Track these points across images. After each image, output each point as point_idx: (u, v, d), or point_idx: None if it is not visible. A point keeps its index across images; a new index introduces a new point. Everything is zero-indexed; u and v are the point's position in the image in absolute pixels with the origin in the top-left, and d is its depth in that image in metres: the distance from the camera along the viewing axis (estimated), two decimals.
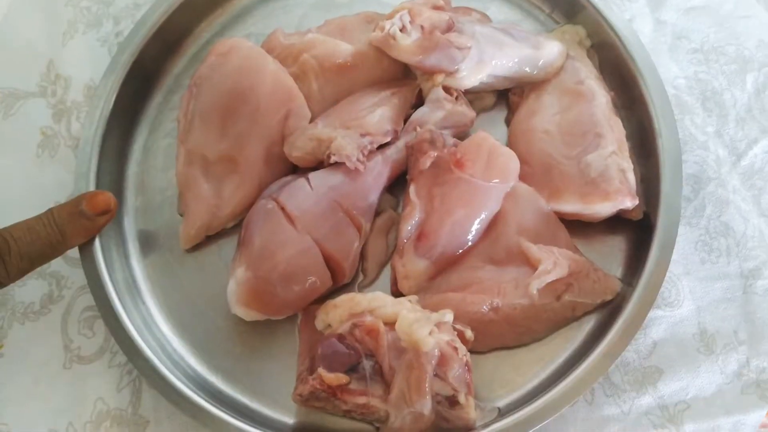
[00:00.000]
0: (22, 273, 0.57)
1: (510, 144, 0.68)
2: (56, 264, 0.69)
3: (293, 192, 0.63)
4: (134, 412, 0.64)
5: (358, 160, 0.62)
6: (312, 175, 0.64)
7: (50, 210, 0.59)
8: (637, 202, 0.63)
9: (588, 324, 0.63)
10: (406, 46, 0.65)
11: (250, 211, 0.64)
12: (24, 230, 0.57)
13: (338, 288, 0.64)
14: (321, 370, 0.55)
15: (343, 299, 0.59)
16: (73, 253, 0.68)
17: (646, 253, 0.62)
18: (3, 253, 0.55)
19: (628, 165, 0.64)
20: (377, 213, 0.66)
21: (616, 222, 0.65)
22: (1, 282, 0.55)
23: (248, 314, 0.61)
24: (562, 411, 0.57)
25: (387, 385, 0.56)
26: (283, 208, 0.62)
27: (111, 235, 0.67)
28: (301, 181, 0.64)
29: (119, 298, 0.63)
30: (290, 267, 0.60)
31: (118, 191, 0.70)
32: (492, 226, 0.63)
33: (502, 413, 0.59)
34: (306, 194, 0.63)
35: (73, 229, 0.60)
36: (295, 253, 0.60)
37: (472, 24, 0.67)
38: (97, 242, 0.64)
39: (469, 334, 0.58)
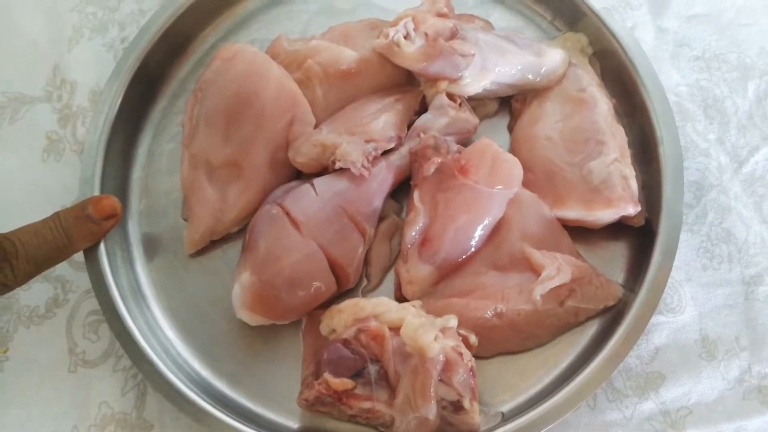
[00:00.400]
0: (28, 277, 0.57)
1: (513, 151, 0.68)
2: (61, 268, 0.69)
3: (298, 197, 0.63)
4: (138, 416, 0.64)
5: (362, 166, 0.63)
6: (317, 181, 0.64)
7: (56, 214, 0.60)
8: (639, 208, 0.63)
9: (591, 329, 0.63)
10: (410, 53, 0.65)
11: (255, 215, 0.64)
12: (31, 234, 0.57)
13: (342, 293, 0.65)
14: (327, 375, 0.55)
15: (348, 304, 0.59)
16: (78, 257, 0.68)
17: (648, 259, 0.63)
18: (10, 256, 0.55)
19: (630, 172, 0.64)
20: (381, 218, 0.67)
21: (618, 228, 0.66)
22: (8, 285, 0.55)
23: (253, 319, 0.61)
24: (566, 416, 0.57)
25: (392, 390, 0.56)
26: (288, 213, 0.62)
27: (115, 240, 0.67)
28: (306, 187, 0.64)
29: (124, 303, 0.63)
30: (295, 272, 0.60)
31: (123, 195, 0.70)
32: (495, 232, 0.64)
33: (506, 418, 0.59)
34: (311, 199, 0.63)
35: (79, 233, 0.60)
36: (300, 258, 0.61)
37: (475, 31, 0.68)
38: (101, 246, 0.64)
39: (473, 339, 0.58)
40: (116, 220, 0.63)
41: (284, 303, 0.61)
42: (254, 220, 0.64)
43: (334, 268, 0.62)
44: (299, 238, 0.61)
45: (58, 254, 0.59)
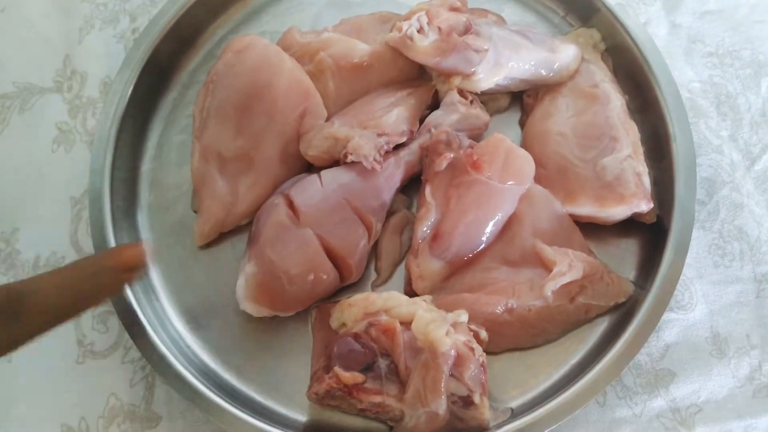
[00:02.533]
0: (43, 329, 0.50)
1: (525, 146, 0.68)
2: (70, 259, 0.69)
3: (304, 187, 0.63)
4: (147, 408, 0.64)
5: (374, 160, 0.62)
6: (324, 173, 0.64)
7: (76, 263, 0.55)
8: (651, 205, 0.63)
9: (601, 326, 0.63)
10: (424, 47, 0.65)
11: (261, 207, 0.64)
12: (49, 284, 0.51)
13: (349, 287, 0.65)
14: (337, 369, 0.55)
15: (358, 298, 0.59)
16: (88, 248, 0.68)
17: (659, 256, 0.63)
18: (20, 307, 0.48)
19: (643, 169, 0.64)
20: (391, 213, 0.66)
21: (630, 225, 0.65)
22: (16, 340, 0.49)
23: (256, 310, 0.61)
24: (575, 413, 0.57)
25: (402, 385, 0.56)
26: (291, 203, 0.62)
27: (124, 231, 0.67)
28: (312, 178, 0.64)
29: (133, 294, 0.63)
30: (292, 261, 0.60)
31: (132, 187, 0.71)
32: (507, 227, 0.63)
33: (515, 414, 0.59)
34: (315, 190, 0.63)
35: (99, 285, 0.53)
36: (295, 247, 0.61)
37: (489, 26, 0.68)
38: (110, 238, 0.65)
39: (483, 334, 0.58)
40: (142, 271, 0.56)
41: (285, 293, 0.61)
42: (260, 211, 0.64)
43: (335, 258, 0.62)
44: (294, 227, 0.61)
45: (77, 307, 0.53)
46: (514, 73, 0.67)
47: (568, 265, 0.60)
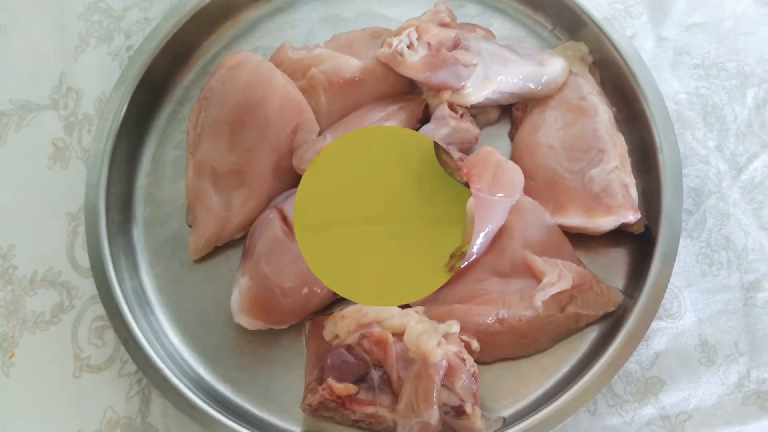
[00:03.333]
0: None
1: (514, 158, 0.69)
2: (66, 274, 0.70)
3: None
4: (143, 421, 0.64)
5: None
6: None
7: None
8: (639, 216, 0.64)
9: (591, 335, 0.64)
10: (414, 63, 0.66)
11: (255, 221, 0.65)
12: None
13: (343, 299, 0.65)
14: (330, 381, 0.56)
15: (351, 310, 0.60)
16: (84, 263, 0.69)
17: (648, 265, 0.63)
18: None
19: (630, 180, 0.65)
20: None
21: (618, 235, 0.66)
22: None
23: (251, 323, 0.62)
24: (566, 421, 0.58)
25: (395, 395, 0.57)
26: (284, 217, 0.63)
27: (120, 246, 0.68)
28: None
29: (129, 309, 0.64)
30: (287, 275, 0.61)
31: (128, 202, 0.71)
32: (497, 238, 0.64)
33: (507, 423, 0.59)
34: None
35: None
36: (290, 260, 0.61)
37: (478, 41, 0.68)
38: (106, 253, 0.65)
39: (475, 345, 0.59)
40: None
41: (279, 306, 0.61)
42: (254, 225, 0.65)
43: None
44: (288, 241, 0.62)
45: None
46: (503, 87, 0.68)
47: (558, 276, 0.61)
